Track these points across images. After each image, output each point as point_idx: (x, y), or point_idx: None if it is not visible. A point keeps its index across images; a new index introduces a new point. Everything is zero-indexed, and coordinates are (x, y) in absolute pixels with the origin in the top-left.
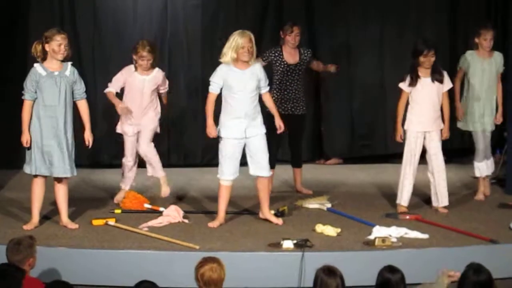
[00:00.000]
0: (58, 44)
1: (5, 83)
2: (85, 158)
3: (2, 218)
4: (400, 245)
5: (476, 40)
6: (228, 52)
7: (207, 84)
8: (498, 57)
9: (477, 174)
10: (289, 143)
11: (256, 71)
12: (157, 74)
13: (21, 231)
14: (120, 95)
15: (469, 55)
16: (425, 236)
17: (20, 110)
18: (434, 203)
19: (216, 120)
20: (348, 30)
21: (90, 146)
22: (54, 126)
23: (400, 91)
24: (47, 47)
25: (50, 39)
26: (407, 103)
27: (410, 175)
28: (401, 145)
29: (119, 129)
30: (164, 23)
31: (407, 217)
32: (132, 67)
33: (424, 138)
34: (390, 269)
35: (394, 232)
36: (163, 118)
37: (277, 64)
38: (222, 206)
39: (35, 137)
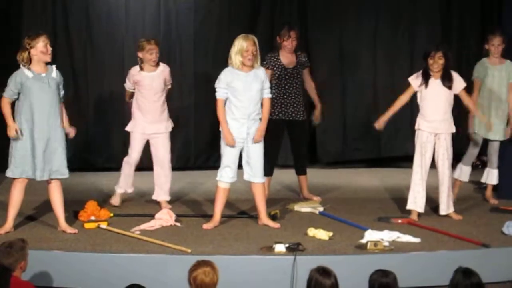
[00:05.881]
0: (44, 44)
1: None
2: (77, 161)
3: None
4: (392, 248)
5: (486, 46)
6: (234, 57)
7: (199, 86)
8: (510, 65)
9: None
10: (292, 150)
11: (260, 74)
12: (164, 69)
13: (13, 234)
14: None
15: (481, 64)
16: (417, 240)
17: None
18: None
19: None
20: (341, 33)
21: (72, 135)
22: (44, 128)
23: (408, 84)
24: (33, 52)
25: (36, 42)
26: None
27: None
28: (394, 149)
29: (129, 127)
30: (156, 25)
31: (399, 221)
32: (137, 67)
33: (434, 142)
34: (382, 273)
35: (386, 236)
36: None
37: (275, 68)
38: (218, 208)
39: (23, 142)
